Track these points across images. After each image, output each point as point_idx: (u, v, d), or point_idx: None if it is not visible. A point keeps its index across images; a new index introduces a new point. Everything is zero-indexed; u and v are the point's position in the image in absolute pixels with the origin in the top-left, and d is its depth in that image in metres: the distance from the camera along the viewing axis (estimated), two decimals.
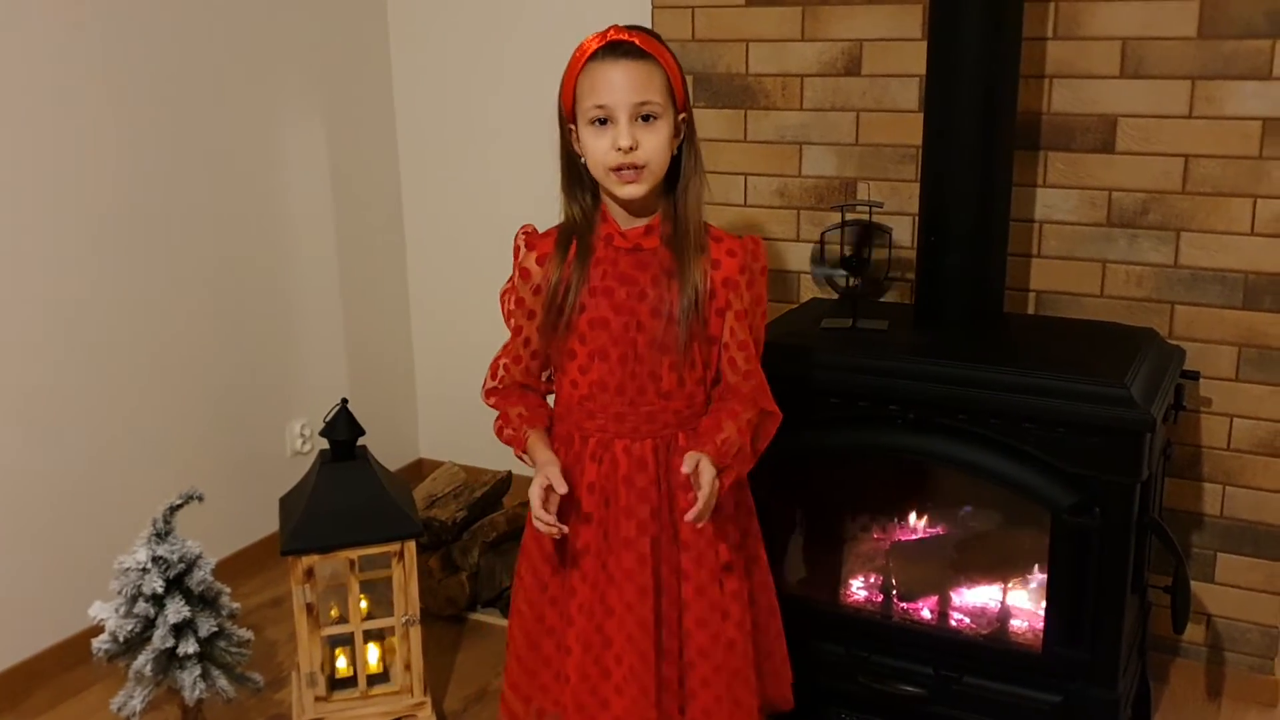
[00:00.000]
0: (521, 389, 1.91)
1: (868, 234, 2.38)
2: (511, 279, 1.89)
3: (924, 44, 2.33)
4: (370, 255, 3.39)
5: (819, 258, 2.40)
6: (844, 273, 2.41)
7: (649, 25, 2.78)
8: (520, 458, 1.87)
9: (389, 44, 3.35)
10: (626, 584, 1.80)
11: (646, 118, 1.71)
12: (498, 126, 3.23)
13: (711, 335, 1.81)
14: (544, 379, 1.93)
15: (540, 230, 1.87)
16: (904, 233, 2.56)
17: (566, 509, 1.78)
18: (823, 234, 2.40)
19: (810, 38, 2.64)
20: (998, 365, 2.10)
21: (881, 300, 2.57)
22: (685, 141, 1.78)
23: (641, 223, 1.80)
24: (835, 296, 2.46)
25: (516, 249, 1.87)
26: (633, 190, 1.73)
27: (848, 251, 2.40)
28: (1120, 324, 2.41)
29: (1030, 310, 2.55)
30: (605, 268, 1.79)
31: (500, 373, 1.92)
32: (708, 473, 1.69)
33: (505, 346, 1.92)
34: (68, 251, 2.59)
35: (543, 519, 1.73)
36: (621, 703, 1.80)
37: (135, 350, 2.76)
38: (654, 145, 1.72)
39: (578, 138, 1.76)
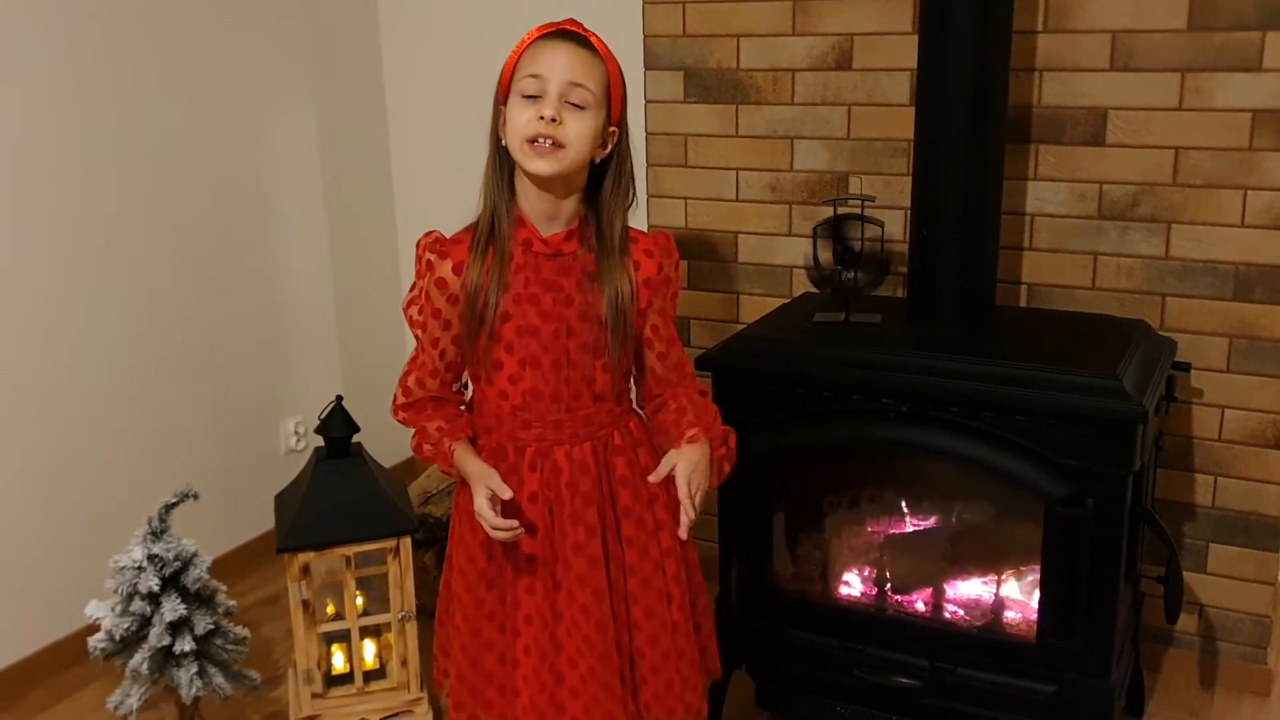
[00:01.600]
0: (436, 402, 1.84)
1: (860, 228, 2.38)
2: (416, 289, 1.81)
3: (915, 38, 2.34)
4: (363, 251, 3.38)
5: (811, 252, 2.40)
6: (836, 267, 2.41)
7: (640, 20, 2.79)
8: (447, 472, 1.82)
9: (379, 37, 3.34)
10: (579, 589, 1.78)
11: (577, 105, 1.69)
12: (489, 122, 3.22)
13: (634, 334, 1.82)
14: (455, 390, 1.88)
15: (446, 235, 1.82)
16: (896, 226, 2.57)
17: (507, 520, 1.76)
18: (815, 228, 2.41)
19: (801, 32, 2.64)
20: (990, 358, 2.11)
21: (874, 294, 2.57)
22: (614, 153, 1.77)
23: (561, 228, 1.77)
24: (827, 291, 2.46)
25: (424, 259, 1.79)
26: (543, 165, 1.68)
27: (840, 246, 2.41)
28: (1112, 316, 2.42)
29: (1022, 303, 2.56)
30: (527, 274, 1.75)
31: (413, 387, 1.84)
32: (683, 476, 1.70)
33: (413, 361, 1.85)
34: (56, 249, 2.59)
35: (501, 527, 1.70)
36: (579, 704, 1.79)
37: (128, 348, 2.76)
38: (578, 130, 1.69)
39: (504, 120, 1.73)
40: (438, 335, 1.80)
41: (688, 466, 1.72)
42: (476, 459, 1.77)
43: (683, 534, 1.74)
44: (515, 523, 1.72)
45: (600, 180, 1.78)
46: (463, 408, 1.88)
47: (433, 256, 1.79)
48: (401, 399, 1.86)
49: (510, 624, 1.83)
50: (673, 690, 1.85)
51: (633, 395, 1.90)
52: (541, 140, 1.68)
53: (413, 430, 1.86)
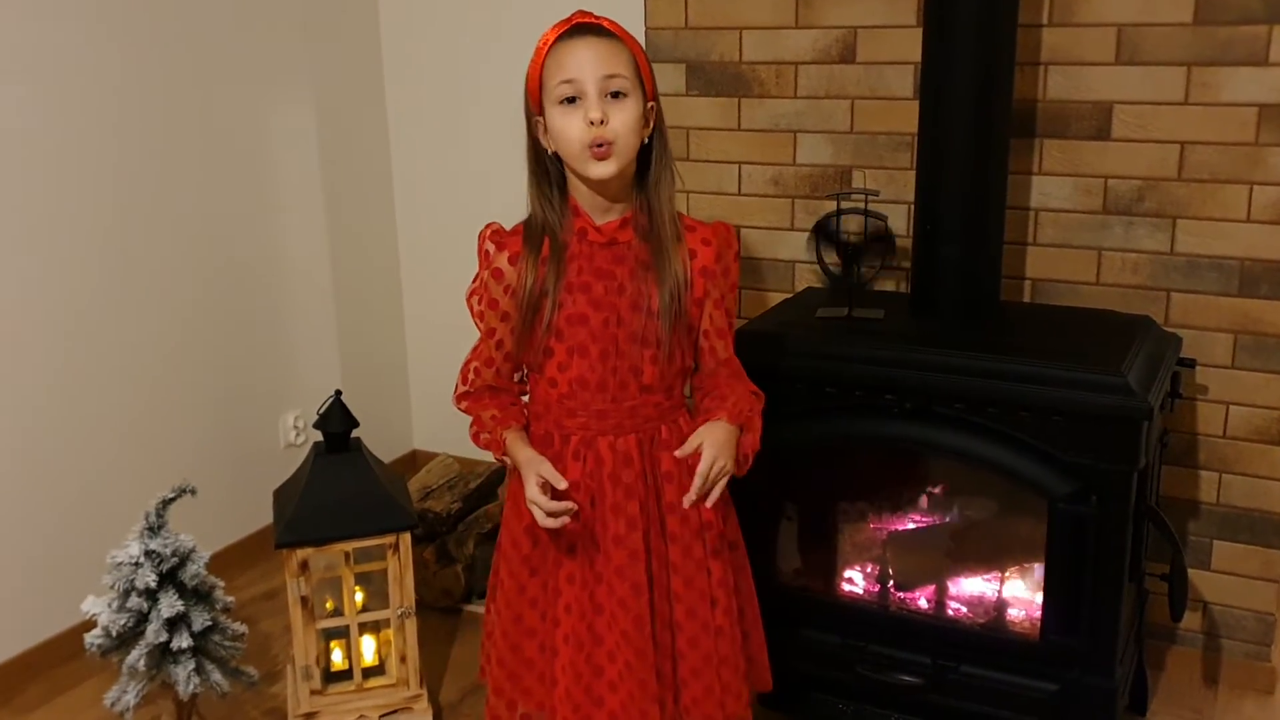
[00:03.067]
0: (492, 391, 1.87)
1: (863, 222, 2.37)
2: (478, 279, 1.83)
3: (919, 31, 2.32)
4: (362, 244, 3.37)
5: (814, 247, 2.39)
6: (839, 262, 2.39)
7: (641, 12, 2.77)
8: (501, 460, 1.83)
9: (379, 27, 3.32)
10: (618, 581, 1.78)
11: (616, 94, 1.68)
12: (491, 114, 3.20)
13: (690, 325, 1.80)
14: (516, 380, 1.89)
15: (507, 227, 1.82)
16: (899, 221, 2.55)
17: None
18: (818, 223, 2.39)
19: (804, 25, 2.63)
20: (994, 354, 2.10)
21: (877, 289, 2.56)
22: (655, 131, 1.76)
23: (615, 216, 1.77)
24: (830, 285, 2.45)
25: (484, 250, 1.81)
26: (603, 169, 1.68)
27: (843, 240, 2.39)
28: (1117, 312, 2.41)
29: (1026, 298, 2.55)
30: (581, 263, 1.76)
31: (471, 376, 1.87)
32: (709, 454, 1.70)
33: (475, 349, 1.88)
34: (52, 242, 2.57)
35: (556, 511, 1.70)
36: (617, 699, 1.79)
37: (126, 342, 2.74)
38: (624, 121, 1.68)
39: (545, 128, 1.73)
40: (495, 325, 1.81)
41: (714, 446, 1.71)
42: (527, 447, 1.77)
43: (685, 502, 1.72)
44: (570, 504, 1.71)
45: (646, 163, 1.77)
46: (522, 398, 1.89)
47: (491, 248, 1.80)
48: (461, 388, 1.89)
49: (551, 613, 1.83)
50: (712, 696, 1.83)
51: (686, 390, 1.88)
52: (597, 145, 1.67)
53: (470, 419, 1.88)
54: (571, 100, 1.68)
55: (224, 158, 2.93)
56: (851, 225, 2.39)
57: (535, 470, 1.71)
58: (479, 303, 1.84)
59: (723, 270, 1.82)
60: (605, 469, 1.78)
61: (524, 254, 1.76)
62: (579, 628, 1.80)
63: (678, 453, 1.74)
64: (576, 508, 1.73)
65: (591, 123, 1.66)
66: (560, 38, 1.71)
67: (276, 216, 3.09)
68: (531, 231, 1.78)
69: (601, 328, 1.75)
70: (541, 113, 1.73)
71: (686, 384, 1.87)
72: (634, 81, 1.70)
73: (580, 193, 1.77)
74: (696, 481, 1.70)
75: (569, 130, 1.68)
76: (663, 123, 1.78)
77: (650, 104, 1.75)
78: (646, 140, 1.74)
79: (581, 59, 1.67)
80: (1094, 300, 2.48)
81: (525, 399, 1.90)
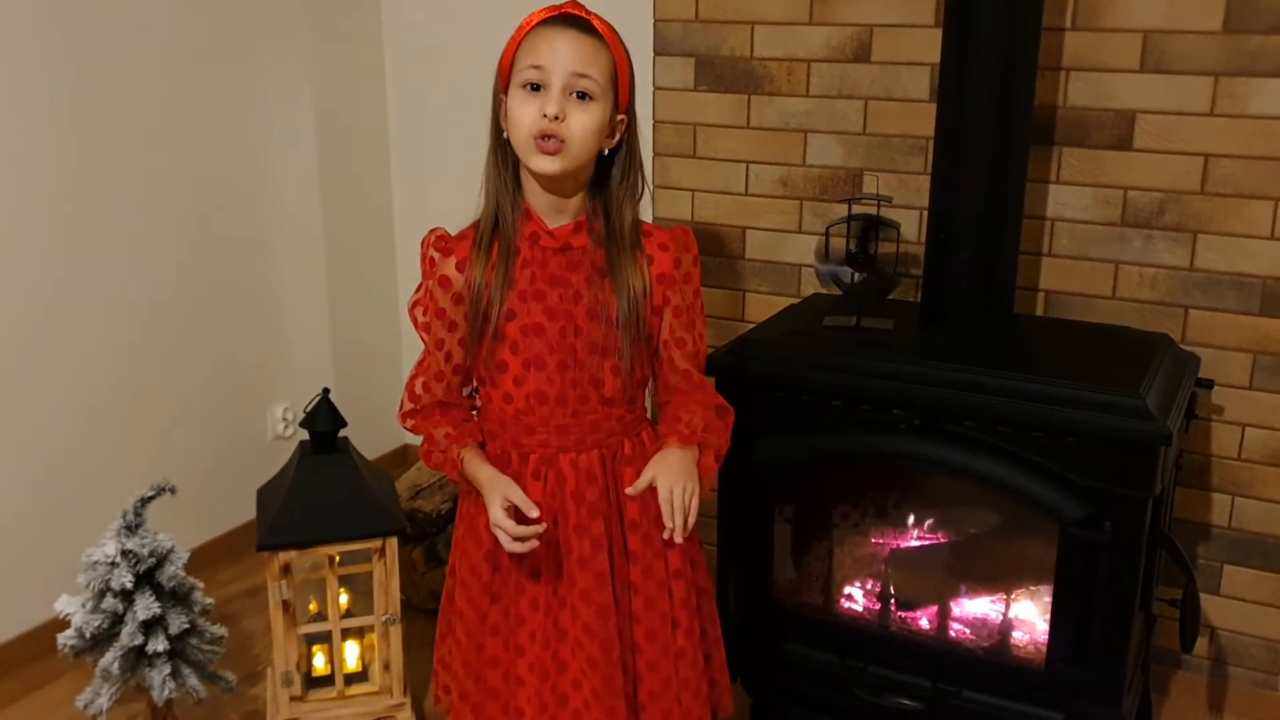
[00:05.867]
0: (443, 407, 1.76)
1: (875, 228, 2.29)
2: (422, 289, 1.73)
3: (938, 31, 2.24)
4: (358, 233, 3.29)
5: (823, 252, 2.31)
6: (849, 268, 2.32)
7: (650, 3, 2.69)
8: (456, 481, 1.74)
9: (381, 13, 3.24)
10: (583, 606, 1.69)
11: (582, 95, 1.59)
12: (490, 105, 3.12)
13: (649, 334, 1.72)
14: (466, 394, 1.79)
15: (453, 232, 1.73)
16: (911, 227, 2.48)
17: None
18: (828, 227, 2.32)
19: (819, 21, 2.55)
20: (1008, 370, 2.02)
21: (887, 298, 2.49)
22: (622, 144, 1.67)
23: (568, 219, 1.68)
24: (838, 292, 2.38)
25: (428, 257, 1.71)
26: (548, 164, 1.59)
27: (853, 246, 2.31)
28: (1134, 329, 2.34)
29: (1039, 311, 2.48)
30: (533, 269, 1.67)
31: (419, 392, 1.76)
32: (664, 482, 1.62)
33: (420, 364, 1.77)
34: (41, 230, 2.49)
35: (523, 535, 1.61)
36: None
37: (112, 330, 2.66)
38: (582, 124, 1.59)
39: (505, 111, 1.64)
40: (443, 337, 1.72)
41: (668, 475, 1.63)
42: (488, 465, 1.69)
43: (667, 536, 1.63)
44: (538, 527, 1.62)
45: (608, 170, 1.69)
46: (473, 413, 1.79)
47: (436, 254, 1.71)
48: (408, 405, 1.78)
49: (514, 641, 1.75)
50: None
51: (648, 403, 1.80)
52: (545, 138, 1.59)
53: (421, 437, 1.78)
54: (536, 87, 1.59)
55: (218, 142, 2.84)
56: (864, 232, 2.31)
57: (500, 493, 1.62)
58: (424, 314, 1.74)
59: (682, 276, 1.73)
60: (567, 487, 1.70)
61: (473, 259, 1.67)
62: (543, 656, 1.72)
63: (629, 491, 1.66)
64: (545, 528, 1.63)
65: (545, 115, 1.58)
66: (543, 23, 1.62)
67: (271, 203, 3.02)
68: (481, 235, 1.69)
69: (559, 338, 1.67)
70: (506, 92, 1.64)
71: (646, 395, 1.79)
72: (605, 88, 1.61)
73: (533, 190, 1.68)
74: (669, 518, 1.61)
75: (522, 116, 1.60)
76: (635, 138, 1.69)
77: (620, 116, 1.66)
78: (606, 152, 1.66)
79: (557, 48, 1.59)
80: (1109, 315, 2.41)
81: (475, 414, 1.80)
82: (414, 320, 1.76)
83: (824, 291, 2.52)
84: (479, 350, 1.69)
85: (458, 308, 1.69)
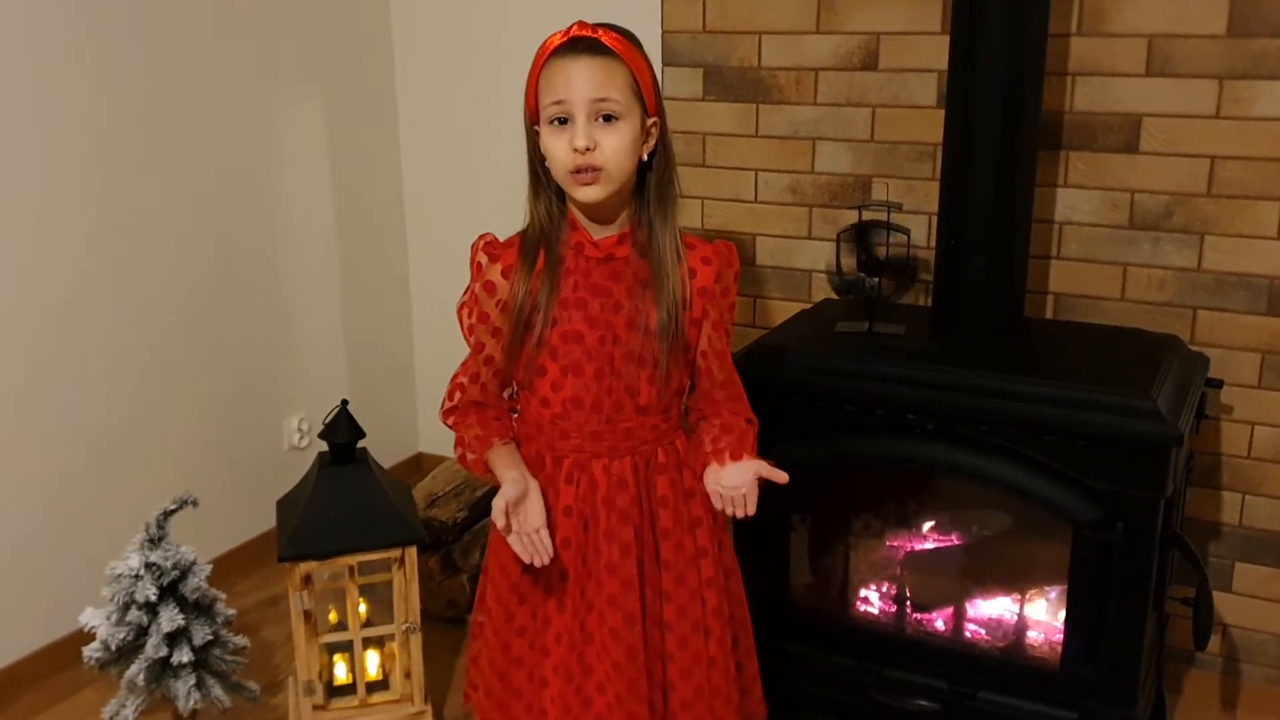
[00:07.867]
0: (478, 407, 1.79)
1: (885, 235, 2.31)
2: (469, 292, 1.76)
3: (944, 38, 2.27)
4: (371, 243, 3.31)
5: (834, 258, 2.33)
6: (860, 274, 2.34)
7: (658, 15, 2.71)
8: (485, 479, 1.77)
9: (390, 23, 3.26)
10: (609, 610, 1.72)
11: (607, 118, 1.62)
12: (503, 114, 3.13)
13: (686, 345, 1.75)
14: (505, 397, 1.82)
15: (501, 238, 1.76)
16: (920, 232, 2.50)
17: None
18: (839, 234, 2.34)
19: (826, 30, 2.57)
20: (1019, 374, 2.04)
21: (898, 303, 2.51)
22: (658, 147, 1.70)
23: (613, 231, 1.71)
24: (850, 298, 2.40)
25: (476, 262, 1.75)
26: (590, 193, 1.64)
27: (864, 253, 2.34)
28: (1144, 330, 2.35)
29: (1048, 313, 2.49)
30: (576, 279, 1.70)
31: (457, 393, 1.80)
32: (728, 491, 1.67)
33: (464, 364, 1.80)
34: (57, 241, 2.51)
35: (526, 532, 1.66)
36: None
37: (130, 342, 2.69)
38: (614, 146, 1.62)
39: (541, 143, 1.67)
40: (484, 340, 1.75)
41: (718, 484, 1.69)
42: (510, 467, 1.71)
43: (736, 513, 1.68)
44: (536, 536, 1.66)
45: (646, 177, 1.71)
46: (514, 414, 1.82)
47: (484, 259, 1.74)
48: (447, 403, 1.82)
49: (540, 642, 1.78)
50: None
51: (681, 410, 1.83)
52: (582, 171, 1.62)
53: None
54: (562, 121, 1.63)
55: (231, 152, 2.87)
56: (874, 238, 2.33)
57: (506, 496, 1.64)
58: (469, 316, 1.77)
59: (722, 290, 1.76)
60: (599, 493, 1.73)
61: (518, 266, 1.71)
62: (569, 658, 1.74)
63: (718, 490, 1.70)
64: (549, 552, 1.67)
65: (576, 149, 1.61)
66: (555, 53, 1.64)
67: (284, 213, 3.04)
68: (527, 243, 1.72)
69: (597, 346, 1.69)
70: (538, 123, 1.67)
71: (682, 404, 1.81)
72: (629, 102, 1.63)
73: (577, 206, 1.71)
74: (729, 507, 1.67)
75: (556, 153, 1.64)
76: (667, 138, 1.72)
77: (652, 119, 1.68)
78: (646, 157, 1.69)
79: (572, 80, 1.61)
80: (1118, 317, 2.43)
81: (514, 416, 1.83)
82: (460, 321, 1.80)
83: (835, 296, 2.55)
84: (519, 355, 1.72)
85: (502, 313, 1.72)
